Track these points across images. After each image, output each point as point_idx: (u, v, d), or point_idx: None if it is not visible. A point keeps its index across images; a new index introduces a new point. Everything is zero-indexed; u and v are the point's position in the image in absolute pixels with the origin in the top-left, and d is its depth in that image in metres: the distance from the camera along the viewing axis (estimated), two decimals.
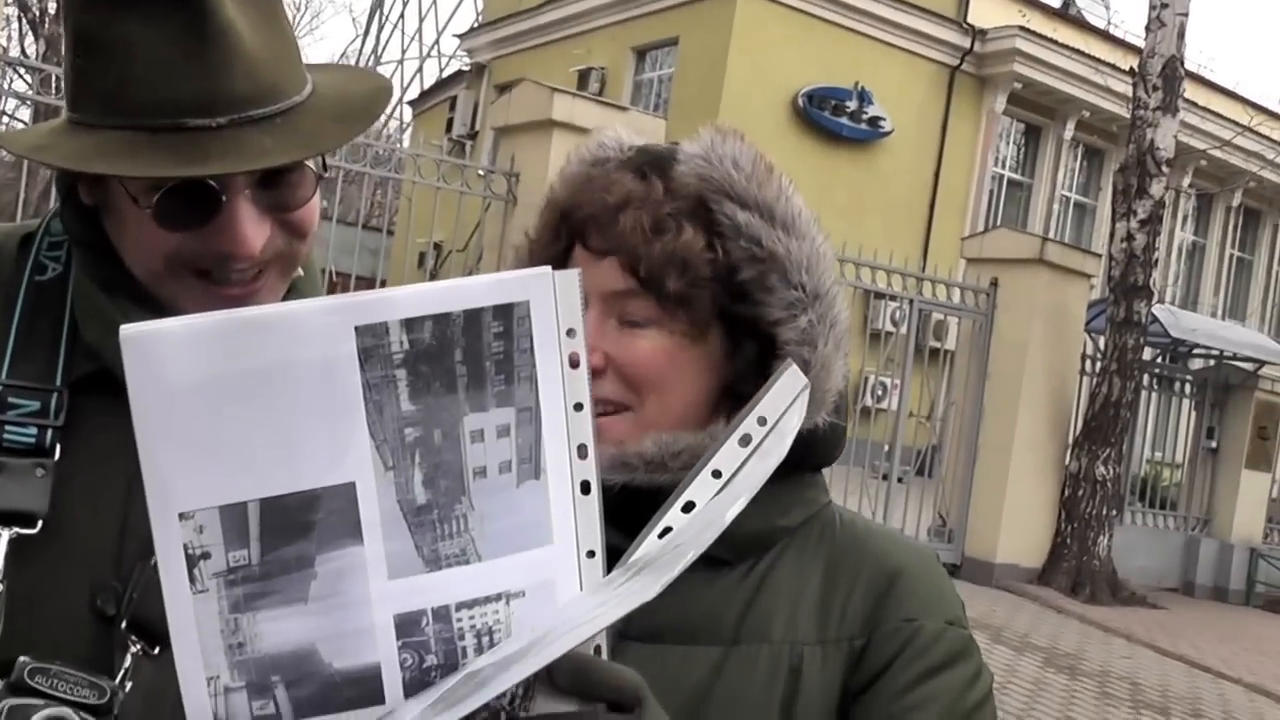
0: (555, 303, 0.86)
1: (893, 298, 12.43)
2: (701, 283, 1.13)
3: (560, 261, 1.17)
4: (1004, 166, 25.74)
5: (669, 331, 1.14)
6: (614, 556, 1.09)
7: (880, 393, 13.90)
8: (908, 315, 12.26)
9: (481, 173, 10.86)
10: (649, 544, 0.91)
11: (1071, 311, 13.41)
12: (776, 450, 0.94)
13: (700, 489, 0.93)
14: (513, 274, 0.86)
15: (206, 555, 0.82)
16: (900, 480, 12.39)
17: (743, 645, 1.13)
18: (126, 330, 0.81)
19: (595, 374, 1.10)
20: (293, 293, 1.32)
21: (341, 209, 12.09)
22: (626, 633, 1.11)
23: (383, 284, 12.91)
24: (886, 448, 12.26)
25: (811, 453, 1.17)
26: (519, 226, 9.69)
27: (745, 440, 0.93)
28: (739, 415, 0.97)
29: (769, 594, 1.15)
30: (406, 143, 17.87)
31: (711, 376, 1.16)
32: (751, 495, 0.91)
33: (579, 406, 0.88)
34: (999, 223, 22.27)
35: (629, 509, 1.07)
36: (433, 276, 15.64)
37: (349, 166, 10.42)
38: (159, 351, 0.81)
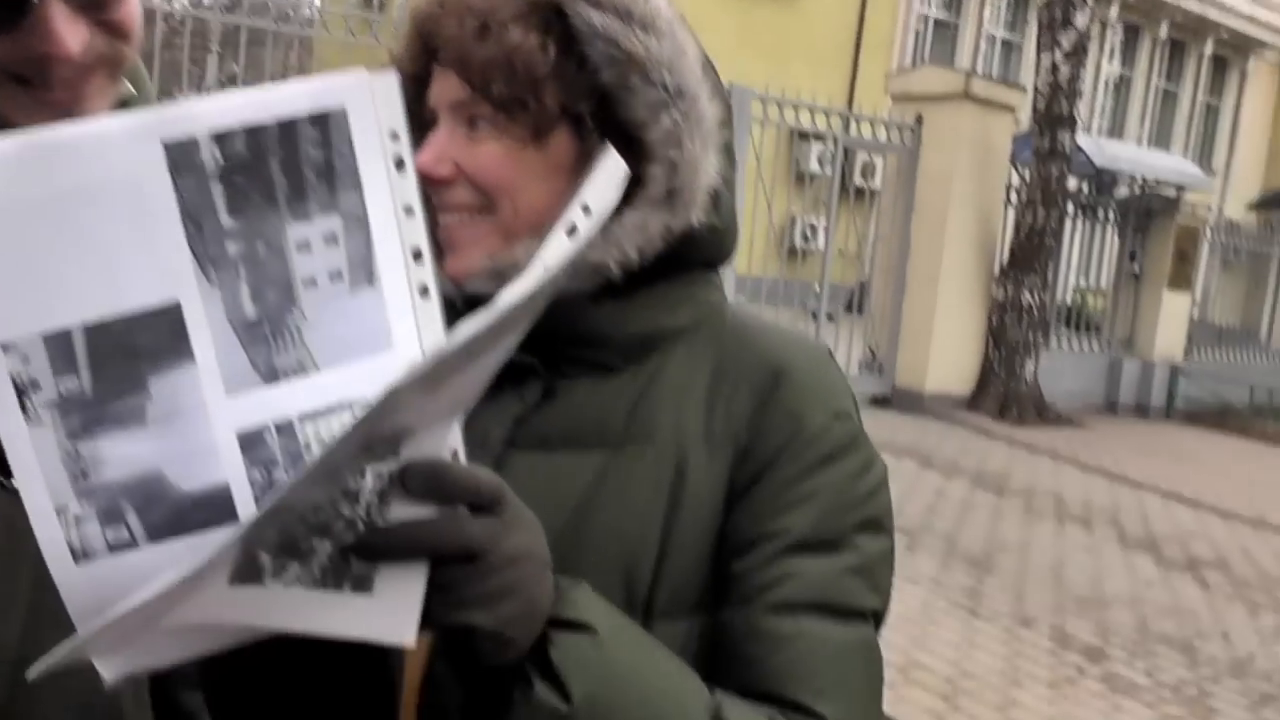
0: (375, 107, 0.83)
1: (819, 137, 12.50)
2: (533, 85, 1.09)
3: (427, 79, 1.16)
4: (930, 5, 25.60)
5: (510, 135, 1.12)
6: (515, 375, 1.10)
7: (809, 233, 14.05)
8: (834, 155, 12.36)
9: (396, 28, 10.74)
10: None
11: (997, 144, 13.56)
12: (590, 234, 0.93)
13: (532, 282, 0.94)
14: (327, 80, 0.83)
15: (36, 385, 0.80)
16: (830, 318, 12.58)
17: (629, 447, 1.12)
18: None
19: (448, 183, 1.12)
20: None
21: (251, 75, 11.77)
22: (514, 441, 1.12)
23: None
24: (816, 287, 12.45)
25: (693, 252, 1.16)
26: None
27: (572, 230, 0.92)
28: (563, 208, 0.95)
29: (655, 395, 1.14)
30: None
31: (564, 178, 1.13)
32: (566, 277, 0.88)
33: (409, 210, 0.85)
34: (926, 60, 22.27)
35: None
36: None
37: (254, 23, 10.16)
38: None
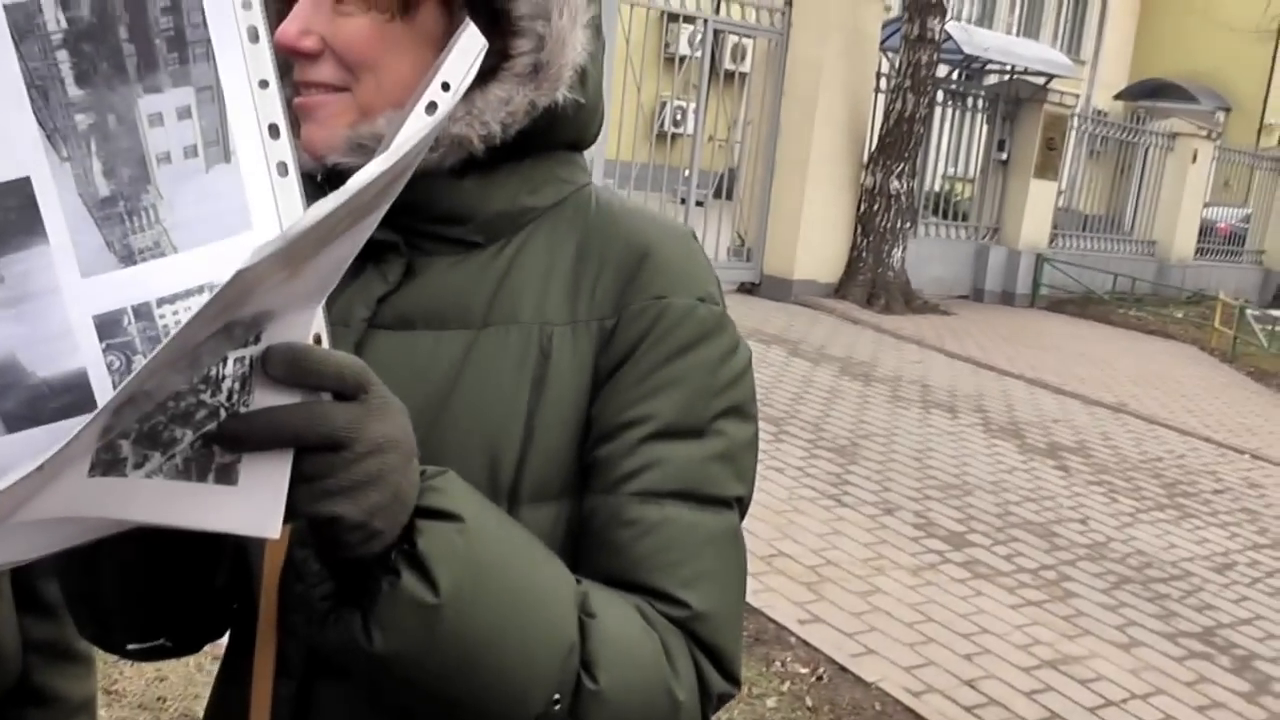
0: None
1: (689, 19, 12.28)
2: None
3: None
4: None
5: (376, 8, 1.07)
6: (377, 253, 1.09)
7: (679, 117, 13.89)
8: (704, 37, 12.15)
9: None
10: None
11: (866, 30, 13.45)
12: (448, 111, 0.89)
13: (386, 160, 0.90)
14: None
15: None
16: (699, 203, 12.50)
17: (492, 327, 1.10)
18: None
19: (312, 56, 1.07)
20: None
21: None
22: (376, 321, 1.10)
23: None
24: (685, 172, 12.30)
25: (558, 130, 1.13)
26: None
27: (431, 108, 0.89)
28: (422, 83, 0.92)
29: (519, 275, 1.12)
30: None
31: (430, 52, 1.09)
32: (424, 153, 0.87)
33: (264, 84, 0.82)
34: None
35: None
36: None
37: None
38: None
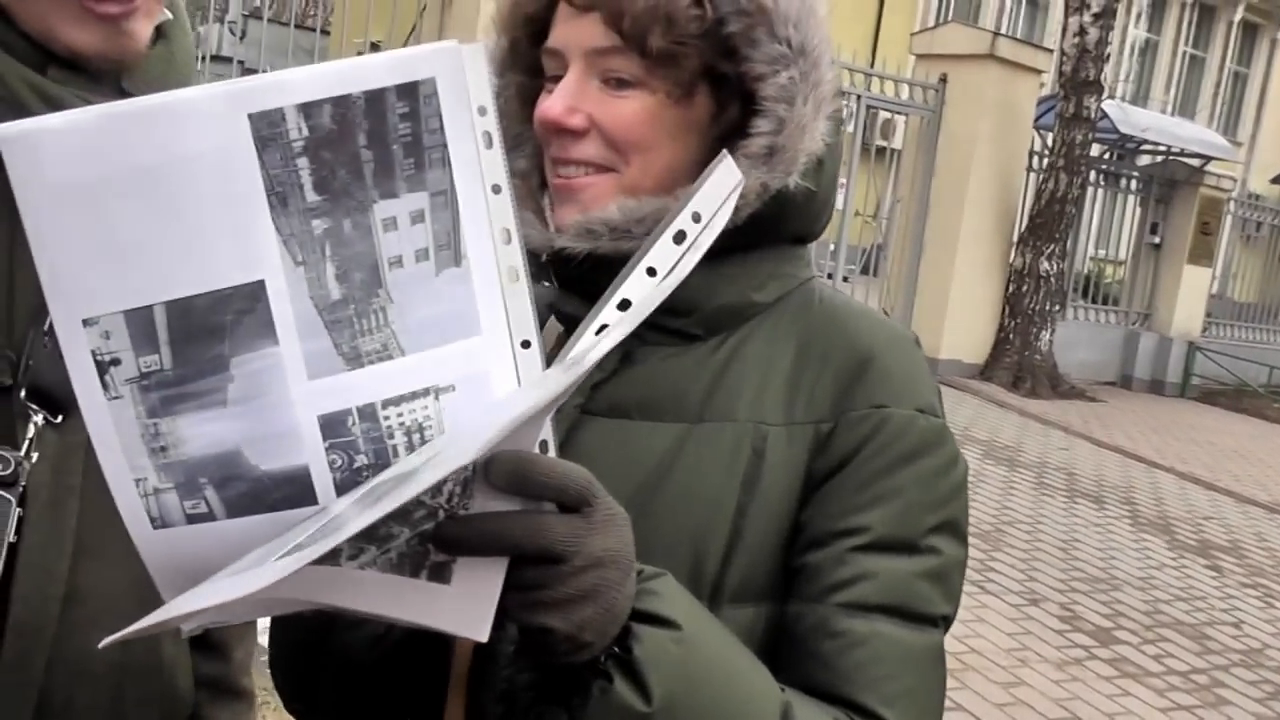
0: (465, 79, 0.80)
1: (841, 94, 12.28)
2: (687, 40, 1.08)
3: (544, 20, 1.14)
4: None
5: (653, 91, 1.09)
6: (575, 325, 1.08)
7: None
8: (855, 112, 12.15)
9: None
10: (585, 340, 0.87)
11: (1021, 107, 13.33)
12: (706, 244, 0.91)
13: (636, 286, 0.90)
14: (415, 50, 0.81)
15: (116, 361, 0.80)
16: (846, 279, 12.44)
17: (707, 423, 1.10)
18: (5, 130, 0.77)
19: (578, 134, 1.10)
20: (163, 39, 1.29)
21: (275, 9, 11.66)
22: (589, 408, 1.11)
23: None
24: (832, 247, 12.27)
25: (786, 221, 1.14)
26: (459, 20, 9.47)
27: (680, 237, 0.90)
28: (673, 209, 0.93)
29: (737, 371, 1.12)
30: None
31: (697, 138, 1.13)
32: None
33: (497, 189, 0.83)
34: (950, 18, 21.94)
35: (593, 276, 1.07)
36: None
37: None
38: (41, 150, 0.77)
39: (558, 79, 1.11)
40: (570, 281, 1.14)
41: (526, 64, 1.18)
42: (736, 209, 1.05)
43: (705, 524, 1.07)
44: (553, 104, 1.09)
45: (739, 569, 1.07)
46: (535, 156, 1.19)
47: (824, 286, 1.21)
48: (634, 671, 0.88)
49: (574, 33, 1.09)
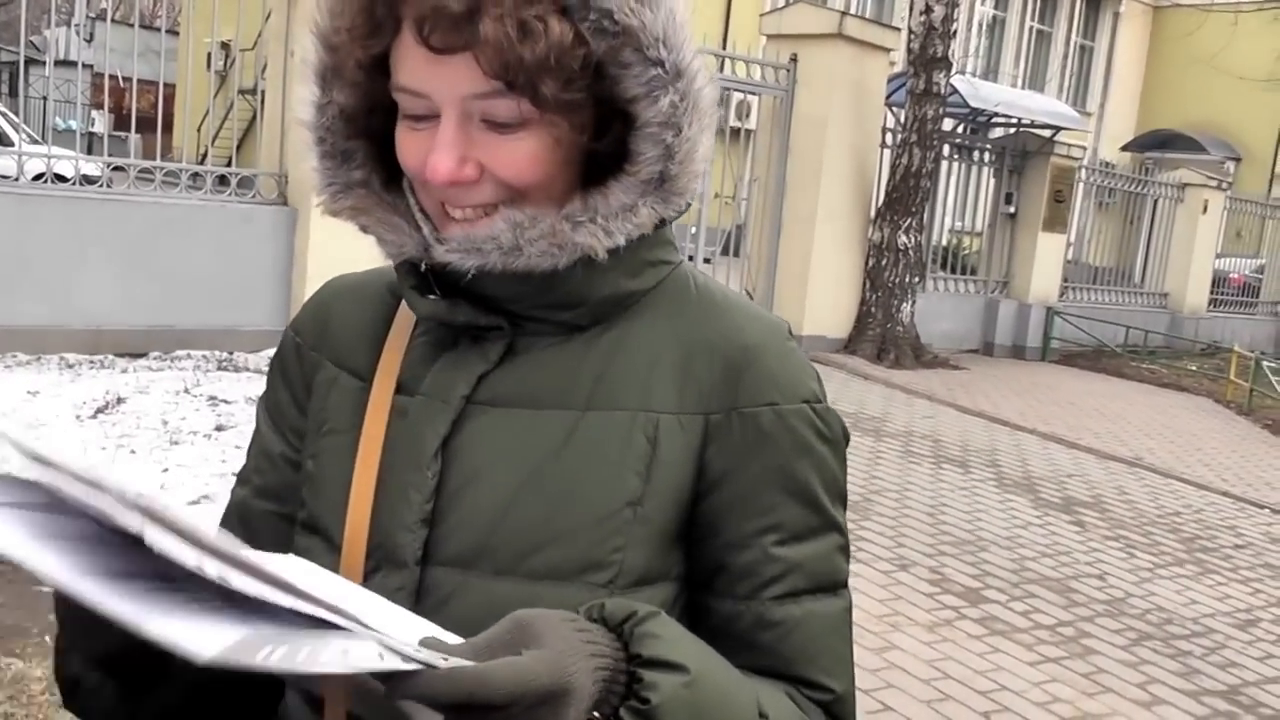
0: None
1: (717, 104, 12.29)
2: (578, 81, 1.03)
3: (379, 60, 1.07)
4: None
5: (544, 128, 1.05)
6: (468, 332, 1.13)
7: None
8: None
9: None
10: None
11: (872, 85, 13.48)
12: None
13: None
14: None
15: None
16: (707, 260, 12.47)
17: (596, 411, 1.11)
18: None
19: (470, 184, 1.06)
20: None
21: (122, 10, 11.32)
22: (475, 398, 1.12)
23: (170, 88, 12.27)
24: (693, 230, 12.27)
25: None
26: (304, 15, 9.24)
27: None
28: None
29: (623, 360, 1.13)
30: None
31: (583, 153, 1.10)
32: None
33: None
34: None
35: (480, 283, 1.09)
36: (221, 78, 14.92)
37: None
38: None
39: (418, 118, 1.07)
40: (451, 288, 1.12)
41: (350, 80, 1.12)
42: (629, 237, 1.09)
43: (603, 511, 1.08)
44: (440, 161, 1.04)
45: (640, 555, 1.09)
46: (369, 161, 1.16)
47: (694, 271, 1.22)
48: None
49: (442, 77, 1.03)
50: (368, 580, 1.09)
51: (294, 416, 1.25)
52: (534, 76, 1.00)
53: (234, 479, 1.32)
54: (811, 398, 1.14)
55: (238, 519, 1.27)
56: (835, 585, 1.14)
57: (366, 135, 1.15)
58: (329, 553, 1.13)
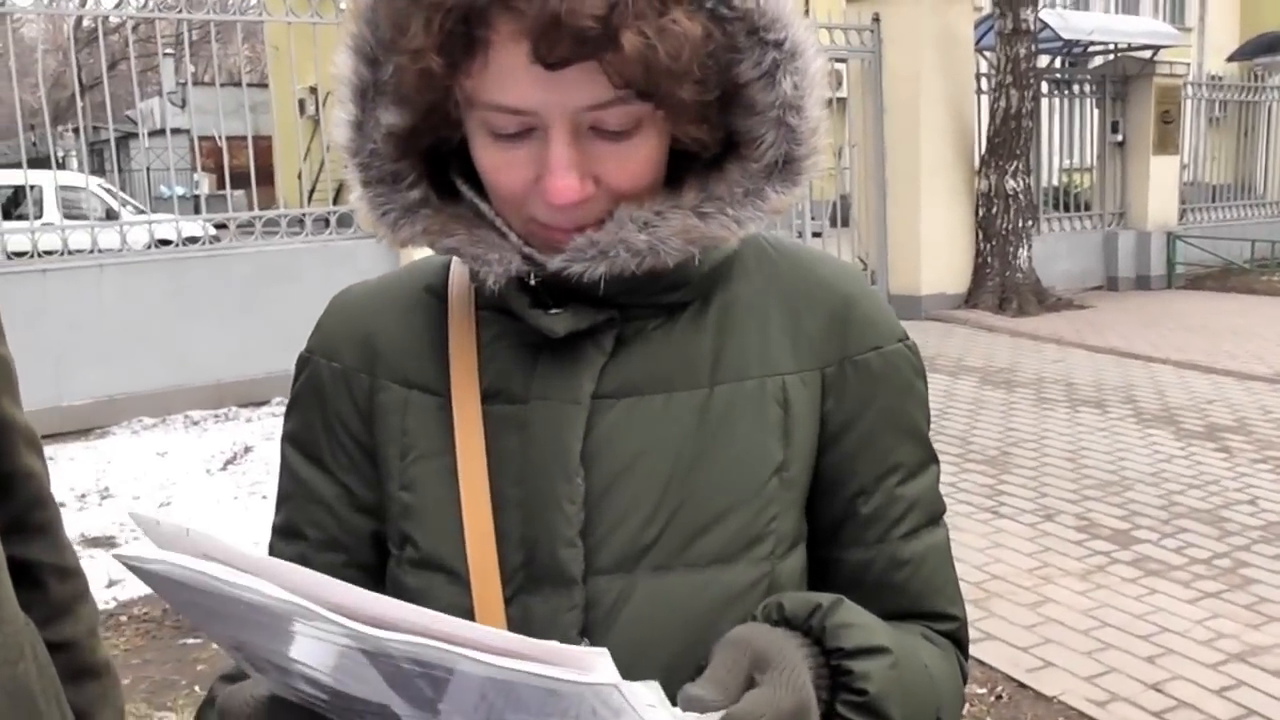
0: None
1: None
2: (713, 80, 0.98)
3: (448, 75, 0.97)
4: None
5: (660, 131, 1.01)
6: (593, 335, 1.07)
7: None
8: None
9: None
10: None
11: (959, 33, 13.31)
12: None
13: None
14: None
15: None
16: (816, 234, 12.42)
17: (724, 384, 1.09)
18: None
19: (582, 203, 1.00)
20: None
21: (210, 72, 11.66)
22: (600, 392, 1.07)
23: (267, 140, 12.56)
24: (798, 206, 12.23)
25: None
26: None
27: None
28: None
29: (735, 330, 1.11)
30: None
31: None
32: None
33: None
34: None
35: (596, 285, 1.03)
36: (315, 123, 15.23)
37: (213, 18, 10.10)
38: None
39: (512, 136, 0.99)
40: (556, 293, 1.07)
41: (409, 100, 1.02)
42: (762, 224, 1.07)
43: (755, 484, 1.08)
44: (564, 183, 0.97)
45: (789, 520, 1.10)
46: (423, 179, 1.09)
47: (764, 233, 1.17)
48: (876, 711, 0.94)
49: (554, 92, 0.95)
50: (512, 605, 1.05)
51: (351, 452, 1.15)
52: (674, 83, 0.94)
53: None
54: (904, 335, 1.17)
55: None
56: (940, 515, 1.18)
57: (415, 154, 1.07)
58: (453, 585, 1.06)
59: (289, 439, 1.20)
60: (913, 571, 1.13)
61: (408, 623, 0.77)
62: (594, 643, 1.02)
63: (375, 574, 1.15)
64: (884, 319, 1.16)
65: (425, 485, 1.10)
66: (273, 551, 1.18)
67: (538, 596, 1.05)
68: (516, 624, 1.04)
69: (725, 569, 1.05)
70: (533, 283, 1.05)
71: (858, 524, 1.13)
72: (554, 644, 0.75)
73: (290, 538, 1.18)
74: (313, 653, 0.83)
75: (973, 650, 4.56)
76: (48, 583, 1.40)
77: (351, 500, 1.15)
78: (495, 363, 1.10)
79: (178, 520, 0.86)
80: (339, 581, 0.80)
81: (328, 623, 0.77)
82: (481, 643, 0.75)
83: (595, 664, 0.74)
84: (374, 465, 1.14)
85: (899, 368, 1.14)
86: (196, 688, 4.43)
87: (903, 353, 1.15)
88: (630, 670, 0.97)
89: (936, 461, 1.18)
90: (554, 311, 1.06)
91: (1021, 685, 4.40)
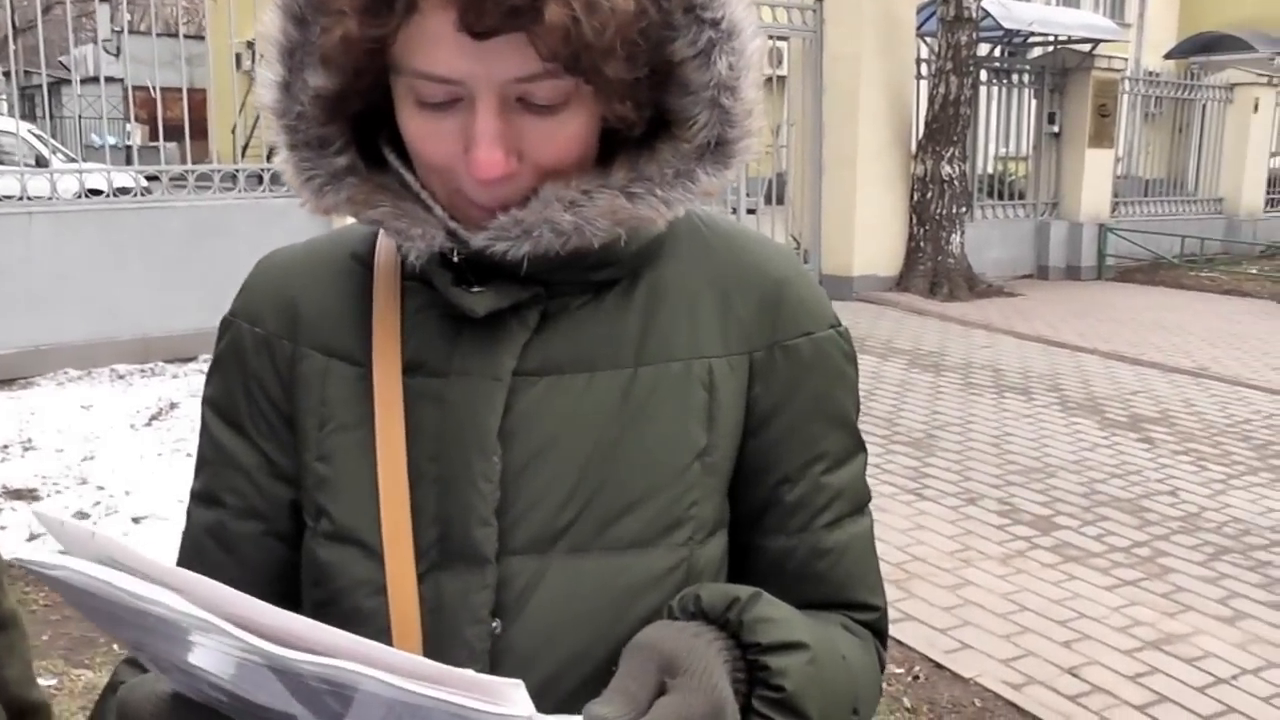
0: None
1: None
2: (642, 57, 0.95)
3: (374, 40, 0.94)
4: None
5: (589, 108, 0.97)
6: (515, 311, 1.04)
7: None
8: None
9: None
10: None
11: (901, 16, 13.33)
12: None
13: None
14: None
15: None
16: (751, 211, 12.41)
17: (649, 365, 1.06)
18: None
19: (513, 174, 0.97)
20: None
21: (147, 21, 11.41)
22: (521, 369, 1.04)
23: (201, 94, 12.32)
24: (733, 182, 12.20)
25: None
26: None
27: None
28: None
29: (663, 310, 1.08)
30: None
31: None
32: None
33: None
34: None
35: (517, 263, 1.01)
36: (250, 78, 14.97)
37: None
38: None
39: (438, 105, 0.96)
40: (479, 270, 1.04)
41: (335, 62, 0.98)
42: (687, 206, 1.04)
43: (676, 468, 1.05)
44: (489, 156, 0.94)
45: (710, 505, 1.07)
46: (350, 145, 1.05)
47: (696, 209, 1.14)
48: (792, 708, 0.93)
49: (481, 62, 0.92)
50: (424, 582, 1.02)
51: (271, 418, 1.13)
52: (599, 58, 0.91)
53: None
54: (835, 321, 1.14)
55: (215, 544, 1.14)
56: (866, 503, 1.16)
57: (344, 118, 1.04)
58: (367, 560, 1.04)
59: (209, 403, 1.17)
60: (835, 561, 1.12)
61: (318, 642, 0.76)
62: (505, 623, 1.01)
63: (294, 543, 1.12)
64: (817, 304, 1.14)
65: (342, 457, 1.07)
66: (191, 517, 1.17)
67: (450, 573, 1.02)
68: (429, 600, 1.02)
69: (643, 553, 1.03)
70: (456, 260, 1.03)
71: (781, 511, 1.11)
72: (469, 672, 0.74)
73: (209, 504, 1.15)
74: (216, 663, 0.82)
75: (892, 630, 4.57)
76: None
77: (270, 468, 1.12)
78: (418, 334, 1.07)
79: (83, 524, 0.86)
80: (246, 596, 0.79)
81: (233, 639, 0.76)
82: (395, 666, 0.74)
83: (510, 695, 0.73)
84: (293, 432, 1.11)
85: (830, 354, 1.12)
86: (115, 646, 4.31)
87: (834, 339, 1.13)
88: (541, 653, 1.01)
89: (864, 450, 1.16)
90: (476, 290, 1.03)
91: (939, 666, 4.39)
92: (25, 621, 1.49)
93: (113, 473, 6.42)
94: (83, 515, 5.79)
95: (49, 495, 6.13)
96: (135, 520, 5.71)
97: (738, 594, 0.95)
